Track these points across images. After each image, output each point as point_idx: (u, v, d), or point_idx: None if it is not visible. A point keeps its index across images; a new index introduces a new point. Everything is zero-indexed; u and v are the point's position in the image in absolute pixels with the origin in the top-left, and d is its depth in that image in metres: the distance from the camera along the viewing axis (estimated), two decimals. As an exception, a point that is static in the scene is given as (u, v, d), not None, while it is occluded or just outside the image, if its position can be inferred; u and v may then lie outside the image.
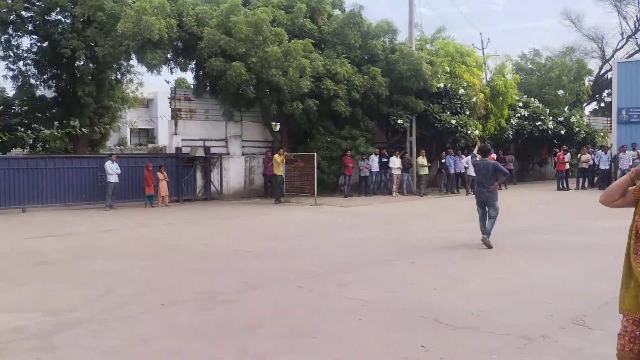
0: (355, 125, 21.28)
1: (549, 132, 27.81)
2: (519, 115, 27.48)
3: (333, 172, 20.63)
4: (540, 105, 29.06)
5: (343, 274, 7.41)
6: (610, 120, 28.42)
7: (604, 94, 41.24)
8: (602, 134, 31.69)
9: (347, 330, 5.07)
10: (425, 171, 21.75)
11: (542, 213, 14.91)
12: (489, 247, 9.12)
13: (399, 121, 21.47)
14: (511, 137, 26.92)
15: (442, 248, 9.43)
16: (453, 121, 22.15)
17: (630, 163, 22.12)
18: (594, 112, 41.82)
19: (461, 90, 22.93)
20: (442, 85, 22.45)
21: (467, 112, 23.17)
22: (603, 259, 7.81)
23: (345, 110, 20.03)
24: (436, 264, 8.10)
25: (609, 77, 36.92)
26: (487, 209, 9.52)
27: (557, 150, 26.00)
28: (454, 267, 7.85)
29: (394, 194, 20.99)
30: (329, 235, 11.27)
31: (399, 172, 21.27)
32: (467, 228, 11.43)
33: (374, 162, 21.13)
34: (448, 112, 22.43)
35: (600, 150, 24.12)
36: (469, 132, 22.61)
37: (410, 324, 5.21)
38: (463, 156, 22.21)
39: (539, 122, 27.52)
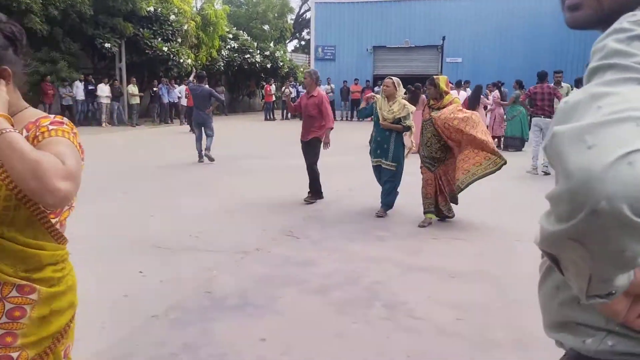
0: (55, 47, 18.87)
1: (257, 65, 29.29)
2: (229, 47, 28.15)
3: (29, 99, 18.09)
4: (249, 38, 30.26)
5: (48, 209, 6.68)
6: (309, 57, 31.32)
7: (304, 32, 45.05)
8: (302, 69, 34.82)
9: (56, 266, 4.63)
10: (136, 100, 20.79)
11: (253, 141, 15.83)
12: (211, 160, 10.63)
13: (107, 45, 19.83)
14: (222, 68, 27.52)
15: (157, 177, 9.27)
16: (165, 48, 21.46)
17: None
18: (295, 49, 45.50)
19: (172, 17, 22.24)
20: (152, 9, 21.36)
21: (179, 40, 22.71)
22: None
23: (42, 29, 17.52)
24: (152, 192, 7.93)
25: (307, 17, 40.34)
26: (204, 129, 10.82)
27: (265, 83, 27.68)
28: (172, 193, 7.81)
29: (103, 124, 19.61)
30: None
31: (108, 101, 19.86)
32: (184, 156, 11.47)
33: (79, 89, 19.24)
34: (159, 39, 21.60)
35: (299, 85, 26.58)
36: (181, 60, 22.27)
37: (127, 253, 5.03)
38: (176, 85, 21.89)
39: (248, 55, 28.70)
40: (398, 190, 6.60)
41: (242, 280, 4.37)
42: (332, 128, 7.23)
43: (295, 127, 9.18)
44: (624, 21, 0.79)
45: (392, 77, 6.47)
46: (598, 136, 0.66)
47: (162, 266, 4.64)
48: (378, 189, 6.70)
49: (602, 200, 0.64)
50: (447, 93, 5.96)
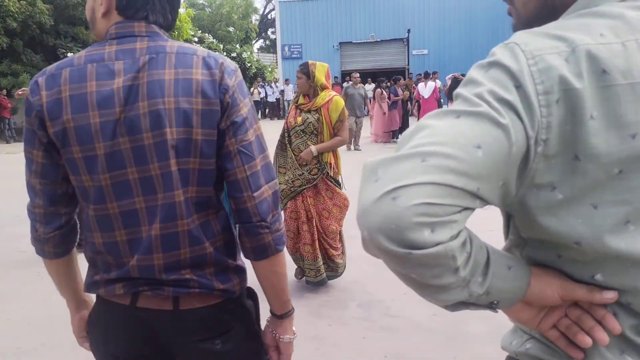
0: (17, 59, 18.46)
1: (225, 67, 28.98)
2: (195, 50, 27.86)
3: (-7, 115, 17.71)
4: (215, 41, 30.02)
5: (15, 227, 6.53)
6: (276, 56, 31.22)
7: (269, 32, 44.87)
8: (270, 69, 34.68)
9: None
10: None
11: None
12: None
13: (69, 55, 19.42)
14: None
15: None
16: (129, 55, 21.18)
17: (294, 94, 24.93)
18: (261, 49, 45.31)
19: (135, 23, 21.96)
20: (114, 16, 21.06)
21: (144, 46, 22.43)
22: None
23: (1, 41, 17.13)
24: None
25: (272, 16, 40.20)
26: None
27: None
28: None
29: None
30: (-8, 186, 9.71)
31: (73, 111, 19.50)
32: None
33: (42, 101, 18.85)
34: (123, 46, 21.31)
35: (267, 85, 26.46)
36: (147, 67, 22.00)
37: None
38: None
39: (215, 58, 28.41)
40: None
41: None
42: None
43: (268, 127, 9.05)
44: (502, 43, 0.79)
45: None
46: (386, 171, 0.71)
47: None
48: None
49: (365, 230, 0.71)
50: (325, 88, 4.05)
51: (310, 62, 4.07)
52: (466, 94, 0.75)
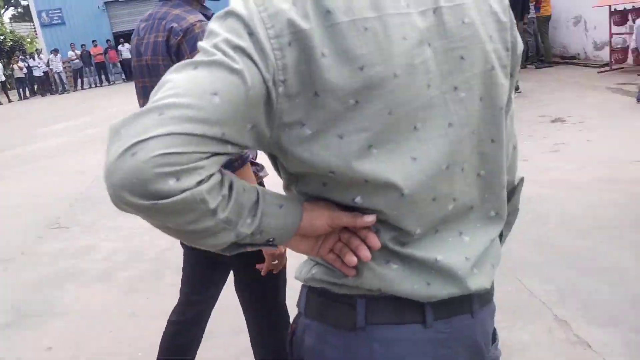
0: None
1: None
2: None
3: None
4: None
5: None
6: (34, 24, 27.77)
7: (20, -3, 39.61)
8: (29, 39, 30.82)
9: None
10: None
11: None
12: None
13: None
14: None
15: None
16: None
17: (63, 65, 22.61)
18: (15, 18, 39.96)
19: None
20: None
21: None
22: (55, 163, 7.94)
23: None
24: None
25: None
26: None
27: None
28: None
29: None
30: None
31: None
32: None
33: None
34: None
35: (30, 58, 23.49)
36: None
37: None
38: None
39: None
40: None
41: (14, 292, 3.91)
42: None
43: (31, 108, 8.17)
44: None
45: None
46: (127, 129, 0.71)
47: None
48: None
49: (110, 189, 0.72)
50: None
51: None
52: (205, 45, 0.78)
